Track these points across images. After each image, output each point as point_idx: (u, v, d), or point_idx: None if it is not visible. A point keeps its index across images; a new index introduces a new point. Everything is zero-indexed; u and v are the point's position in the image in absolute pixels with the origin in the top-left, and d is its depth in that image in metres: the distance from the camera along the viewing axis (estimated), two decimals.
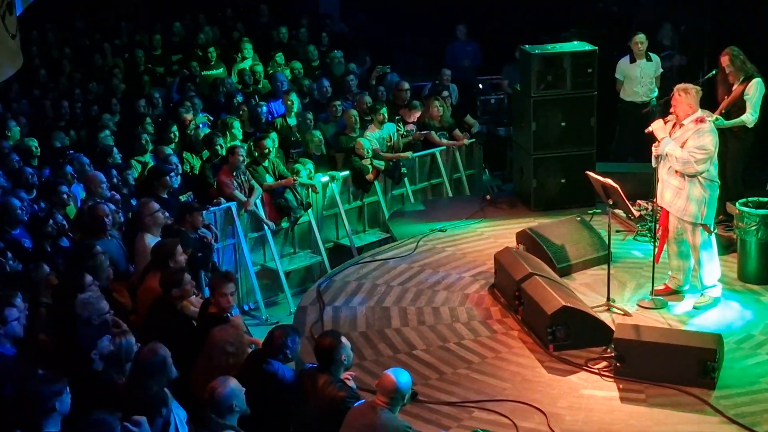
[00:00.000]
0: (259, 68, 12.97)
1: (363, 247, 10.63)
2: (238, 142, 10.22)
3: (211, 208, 9.33)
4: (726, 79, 9.50)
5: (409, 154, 11.34)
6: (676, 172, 7.97)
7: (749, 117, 9.33)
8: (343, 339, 6.05)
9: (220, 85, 12.26)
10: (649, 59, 11.59)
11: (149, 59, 13.37)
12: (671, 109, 8.09)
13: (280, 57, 13.28)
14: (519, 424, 6.60)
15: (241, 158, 9.57)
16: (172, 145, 10.14)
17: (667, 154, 7.94)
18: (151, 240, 7.76)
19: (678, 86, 8.10)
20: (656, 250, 8.32)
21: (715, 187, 8.00)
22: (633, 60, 11.59)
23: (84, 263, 6.99)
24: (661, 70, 11.68)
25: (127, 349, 5.80)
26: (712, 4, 12.51)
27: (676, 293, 8.41)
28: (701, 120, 7.92)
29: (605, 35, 12.94)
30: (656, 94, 11.50)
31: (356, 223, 11.08)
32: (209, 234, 8.65)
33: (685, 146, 7.85)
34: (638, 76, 11.58)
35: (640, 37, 11.54)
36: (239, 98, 11.74)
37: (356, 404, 5.73)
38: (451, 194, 11.74)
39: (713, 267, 8.21)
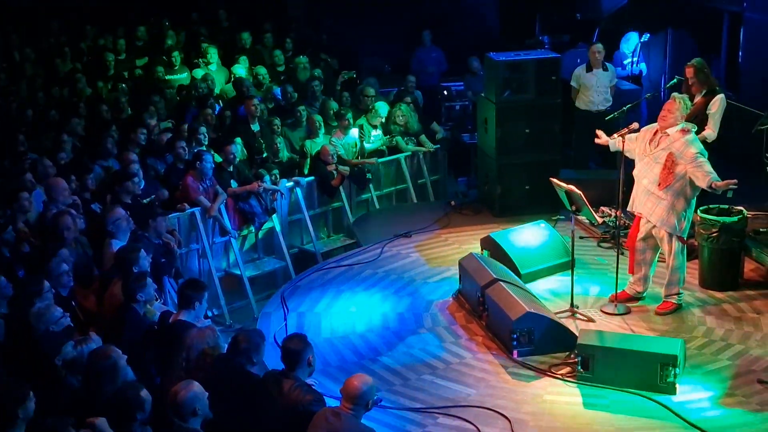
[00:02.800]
0: (219, 77, 12.94)
1: (328, 253, 10.62)
2: (203, 148, 10.17)
3: (175, 214, 9.27)
4: (689, 90, 9.54)
5: (374, 160, 11.36)
6: (659, 185, 7.99)
7: (711, 134, 9.25)
8: (309, 341, 6.03)
9: (191, 89, 12.18)
10: (605, 69, 11.67)
11: (117, 63, 13.30)
12: (660, 118, 8.03)
13: (244, 61, 13.24)
14: (483, 430, 6.61)
15: (208, 164, 9.54)
16: (137, 150, 10.05)
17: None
18: (117, 245, 7.70)
19: (675, 94, 8.13)
20: (628, 261, 8.46)
21: (694, 202, 8.09)
22: (590, 69, 11.66)
23: (44, 270, 6.94)
24: (616, 80, 11.77)
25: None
26: (673, 15, 12.65)
27: (634, 299, 8.48)
28: (686, 131, 7.97)
29: (569, 43, 13.07)
30: (611, 103, 11.57)
31: (321, 229, 11.06)
32: (173, 240, 8.60)
33: (690, 158, 7.86)
34: (594, 85, 11.64)
35: (598, 47, 11.61)
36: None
37: (319, 411, 5.71)
38: (416, 200, 11.76)
39: (680, 275, 8.28)
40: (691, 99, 9.47)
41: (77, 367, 5.69)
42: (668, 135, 7.99)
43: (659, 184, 8.00)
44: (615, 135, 8.31)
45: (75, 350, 5.76)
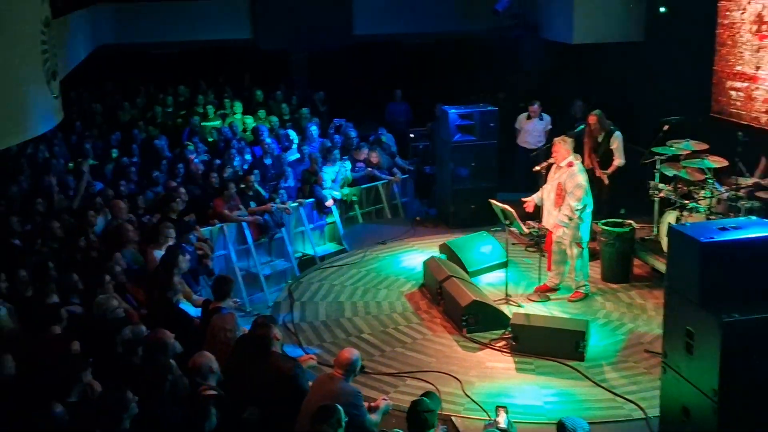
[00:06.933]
0: (249, 120, 12.92)
1: (324, 257, 10.59)
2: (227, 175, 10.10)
3: (208, 228, 9.22)
4: (591, 133, 9.64)
5: (356, 189, 11.36)
6: (554, 206, 8.06)
7: (620, 162, 9.50)
8: (270, 322, 5.62)
9: (218, 133, 12.17)
10: (541, 118, 11.70)
11: (165, 114, 13.26)
12: (552, 155, 8.20)
13: (262, 113, 13.23)
14: (441, 389, 6.63)
15: (232, 191, 9.52)
16: (178, 179, 10.00)
17: (554, 190, 8.04)
18: (156, 252, 7.65)
19: (557, 138, 8.22)
20: (546, 261, 8.47)
21: (587, 215, 8.08)
22: (529, 117, 11.71)
23: (106, 268, 6.93)
24: (550, 126, 11.75)
25: (140, 336, 5.70)
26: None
27: (554, 290, 8.52)
28: (571, 164, 8.02)
29: (506, 99, 13.02)
30: (543, 143, 11.58)
31: (318, 238, 11.02)
32: (206, 246, 8.55)
33: (567, 195, 7.90)
34: (530, 130, 11.69)
35: (536, 105, 11.64)
36: (234, 143, 11.65)
37: (318, 376, 5.68)
38: (390, 216, 11.75)
39: (584, 272, 8.32)
40: (596, 140, 9.59)
41: (133, 346, 5.63)
42: (560, 167, 8.06)
43: (554, 206, 8.06)
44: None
45: (130, 333, 5.71)
